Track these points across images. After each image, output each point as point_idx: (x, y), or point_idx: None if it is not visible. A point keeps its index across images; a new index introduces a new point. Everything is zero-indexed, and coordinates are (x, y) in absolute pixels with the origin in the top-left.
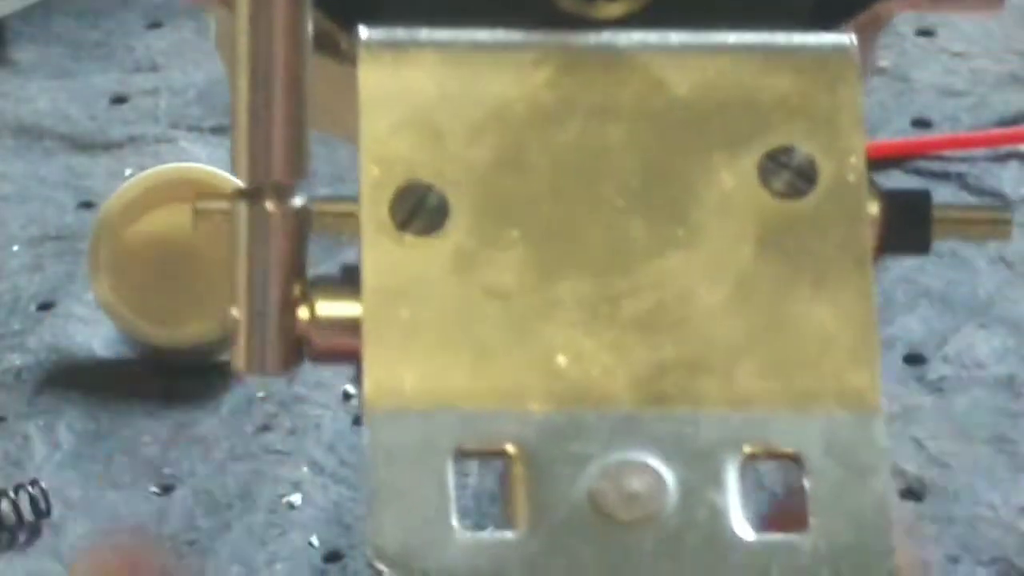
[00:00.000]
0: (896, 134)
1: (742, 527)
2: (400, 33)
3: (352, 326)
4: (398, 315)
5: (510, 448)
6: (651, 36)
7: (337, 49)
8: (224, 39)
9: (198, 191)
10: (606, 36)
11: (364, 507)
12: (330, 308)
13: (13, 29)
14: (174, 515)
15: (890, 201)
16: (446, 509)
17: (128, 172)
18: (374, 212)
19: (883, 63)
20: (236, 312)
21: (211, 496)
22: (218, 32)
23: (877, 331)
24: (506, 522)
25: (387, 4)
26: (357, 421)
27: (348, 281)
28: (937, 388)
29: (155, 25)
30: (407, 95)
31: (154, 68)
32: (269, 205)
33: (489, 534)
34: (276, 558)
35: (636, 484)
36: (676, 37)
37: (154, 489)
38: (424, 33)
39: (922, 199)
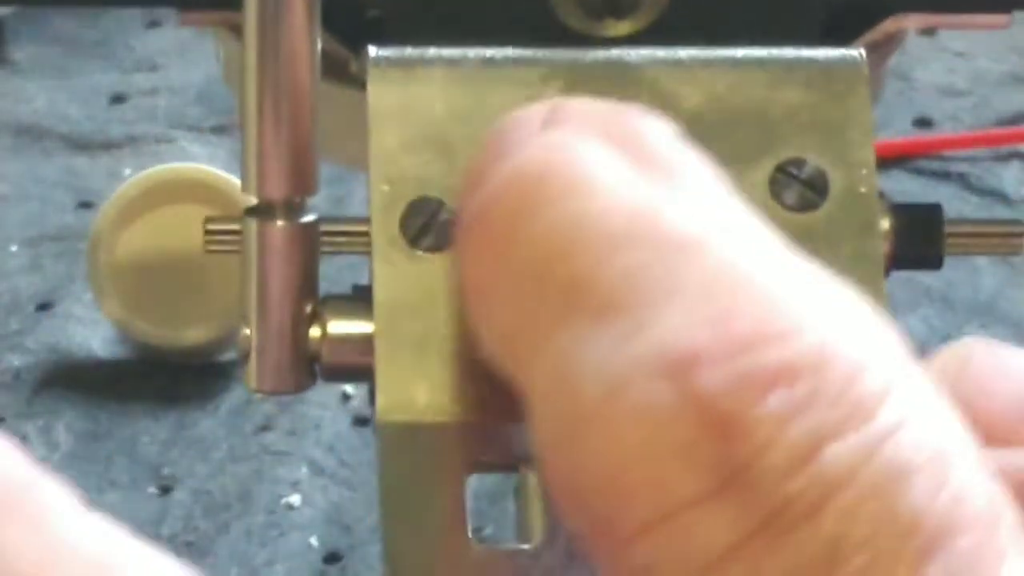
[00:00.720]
0: (897, 133)
1: None
2: (409, 51)
3: (364, 343)
4: (410, 330)
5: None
6: (659, 52)
7: (345, 73)
8: (231, 70)
9: (198, 194)
10: (615, 52)
11: (364, 508)
12: (342, 326)
13: (12, 29)
14: (173, 515)
15: (901, 215)
16: (461, 523)
17: (127, 172)
18: (385, 228)
19: None
20: (248, 331)
21: (210, 497)
22: (225, 63)
23: None
24: (521, 535)
25: (395, 25)
26: (356, 422)
27: (359, 299)
28: None
29: (154, 25)
30: (416, 112)
31: (153, 68)
32: (279, 222)
33: (504, 548)
34: (275, 559)
35: None
36: (684, 52)
37: (153, 489)
38: (432, 51)
39: (934, 213)
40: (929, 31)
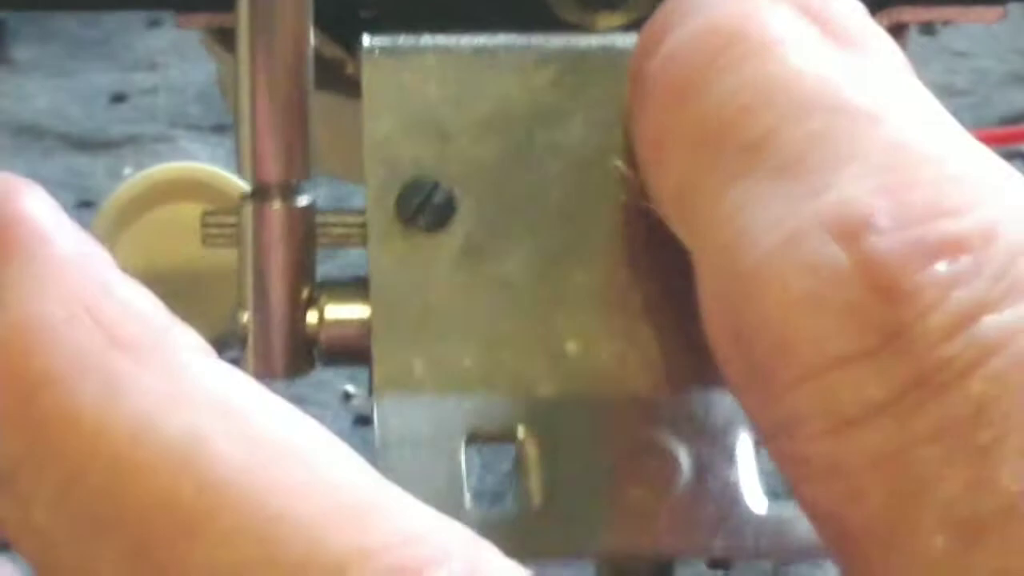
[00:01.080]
0: None
1: (756, 500)
2: (402, 40)
3: (362, 327)
4: (406, 307)
5: (522, 431)
6: None
7: (341, 78)
8: (227, 82)
9: (199, 194)
10: (608, 38)
11: None
12: (339, 310)
13: (12, 28)
14: None
15: None
16: (459, 491)
17: (127, 171)
18: (380, 209)
19: None
20: (244, 317)
21: None
22: (221, 75)
23: None
24: (519, 502)
25: (389, 18)
26: (357, 421)
27: (357, 284)
28: None
29: (154, 24)
30: (410, 98)
31: (153, 67)
32: (275, 204)
33: (502, 514)
34: None
35: (649, 462)
36: None
37: None
38: (426, 39)
39: None
40: (929, 30)
